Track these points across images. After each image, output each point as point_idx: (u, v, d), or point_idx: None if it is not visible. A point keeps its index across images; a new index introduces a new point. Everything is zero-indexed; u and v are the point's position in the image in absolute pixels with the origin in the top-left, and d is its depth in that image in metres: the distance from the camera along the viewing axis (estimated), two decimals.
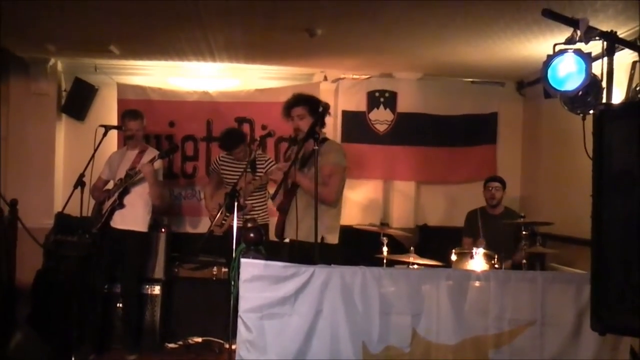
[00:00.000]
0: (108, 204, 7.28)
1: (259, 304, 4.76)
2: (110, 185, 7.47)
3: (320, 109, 5.59)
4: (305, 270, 4.82)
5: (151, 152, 7.36)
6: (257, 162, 7.23)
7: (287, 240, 6.07)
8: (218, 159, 7.77)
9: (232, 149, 7.47)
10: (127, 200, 7.24)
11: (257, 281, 4.76)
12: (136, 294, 7.53)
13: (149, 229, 7.50)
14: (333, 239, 5.89)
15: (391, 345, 4.87)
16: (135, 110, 7.62)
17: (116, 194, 7.23)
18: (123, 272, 7.42)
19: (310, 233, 5.28)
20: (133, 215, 7.28)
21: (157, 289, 7.72)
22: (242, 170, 6.74)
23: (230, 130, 7.88)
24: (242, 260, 4.85)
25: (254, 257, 4.99)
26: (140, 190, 7.28)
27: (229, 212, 6.43)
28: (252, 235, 5.18)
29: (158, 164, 7.25)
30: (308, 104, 5.98)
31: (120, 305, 7.50)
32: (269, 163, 7.40)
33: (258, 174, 7.12)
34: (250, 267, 4.78)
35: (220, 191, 7.56)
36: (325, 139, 5.99)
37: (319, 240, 5.27)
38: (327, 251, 5.55)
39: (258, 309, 4.75)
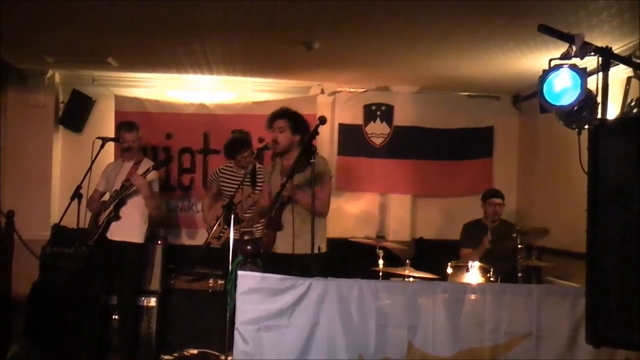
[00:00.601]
0: (104, 215, 7.26)
1: (256, 316, 4.78)
2: (106, 197, 7.47)
3: (317, 123, 5.62)
4: (302, 283, 4.85)
5: (146, 163, 7.37)
6: (258, 174, 7.25)
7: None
8: (218, 171, 7.79)
9: (236, 154, 7.50)
10: (123, 211, 7.24)
11: (254, 293, 4.78)
12: (132, 305, 7.51)
13: (145, 241, 7.50)
14: (324, 247, 5.95)
15: (387, 357, 4.90)
16: (131, 122, 7.64)
17: (112, 206, 7.22)
18: (119, 283, 7.40)
19: (308, 245, 5.33)
20: (129, 226, 7.27)
21: (153, 301, 7.71)
22: (240, 182, 6.77)
23: (236, 136, 7.89)
24: (239, 272, 4.87)
25: (251, 270, 5.02)
26: (137, 202, 7.27)
27: (227, 224, 6.45)
28: (249, 247, 5.21)
29: (152, 175, 7.25)
30: (292, 120, 6.04)
31: (116, 317, 7.49)
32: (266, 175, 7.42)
33: (258, 188, 7.13)
34: (247, 279, 4.80)
35: (218, 203, 7.58)
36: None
37: (316, 250, 5.32)
38: (322, 260, 5.62)
39: (255, 321, 4.78)
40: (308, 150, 5.48)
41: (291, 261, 5.52)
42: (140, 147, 7.79)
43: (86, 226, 7.15)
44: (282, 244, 5.91)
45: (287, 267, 5.25)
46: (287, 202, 5.86)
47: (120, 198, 7.19)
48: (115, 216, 7.20)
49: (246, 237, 5.55)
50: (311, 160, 5.41)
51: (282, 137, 5.98)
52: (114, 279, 7.41)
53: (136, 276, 7.54)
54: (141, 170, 7.19)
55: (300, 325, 4.83)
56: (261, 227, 7.38)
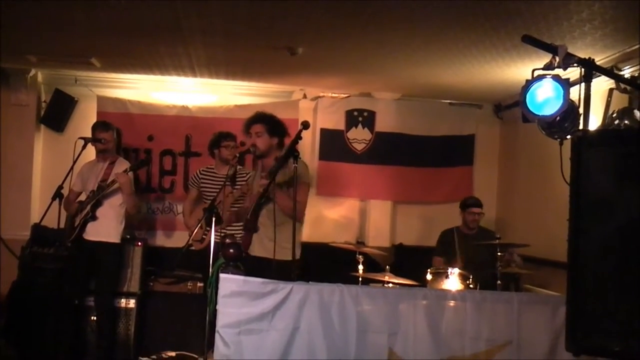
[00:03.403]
0: (80, 216, 7.24)
1: (237, 320, 4.76)
2: (83, 198, 7.44)
3: (301, 127, 5.65)
4: (284, 287, 4.84)
5: (121, 163, 7.38)
6: (238, 176, 7.26)
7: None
8: (198, 173, 7.79)
9: (221, 143, 7.55)
10: (99, 212, 7.22)
11: (235, 297, 4.77)
12: (110, 306, 7.48)
13: (122, 241, 7.48)
14: (298, 253, 5.90)
15: None
16: (105, 121, 7.67)
17: (89, 206, 7.20)
18: (97, 284, 7.38)
19: (287, 251, 5.39)
20: (106, 226, 7.26)
21: (132, 303, 7.70)
22: (221, 184, 6.78)
23: (222, 131, 7.89)
24: (221, 275, 4.86)
25: (233, 273, 5.02)
26: (113, 202, 7.27)
27: (208, 226, 6.45)
28: (231, 250, 5.20)
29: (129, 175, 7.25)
30: (268, 124, 6.13)
31: (94, 318, 7.47)
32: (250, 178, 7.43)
33: (237, 185, 7.14)
34: (229, 282, 4.79)
35: (199, 207, 7.56)
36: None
37: (291, 257, 5.34)
38: (290, 267, 5.56)
39: (236, 324, 4.76)
40: (291, 155, 5.50)
41: (268, 266, 5.56)
42: (122, 148, 7.78)
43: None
44: (258, 247, 5.98)
45: (263, 272, 5.26)
46: (264, 203, 5.92)
47: (97, 199, 7.16)
48: (92, 217, 7.18)
49: (228, 240, 5.54)
50: (294, 165, 5.43)
51: (260, 141, 6.05)
52: (90, 280, 7.38)
53: (114, 277, 7.51)
54: (117, 169, 7.18)
55: (281, 329, 4.82)
56: (240, 230, 7.41)
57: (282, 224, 5.66)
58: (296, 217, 5.45)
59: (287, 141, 5.96)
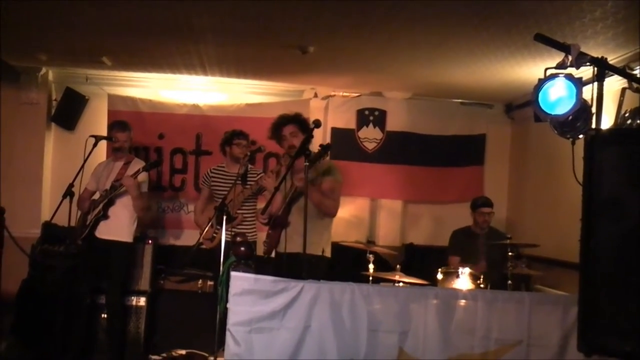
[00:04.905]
0: (93, 214, 7.25)
1: (248, 318, 4.77)
2: (97, 196, 7.46)
3: (312, 126, 5.68)
4: (295, 286, 4.85)
5: (136, 163, 7.37)
6: (249, 175, 7.26)
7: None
8: (209, 172, 7.78)
9: (233, 141, 7.52)
10: (111, 211, 7.22)
11: (246, 295, 4.78)
12: (120, 305, 7.47)
13: (134, 240, 7.49)
14: (329, 251, 6.11)
15: None
16: (124, 121, 7.65)
17: (101, 205, 7.20)
18: (108, 282, 7.39)
19: (318, 246, 5.65)
20: (118, 225, 7.26)
21: (142, 301, 7.69)
22: (232, 183, 6.78)
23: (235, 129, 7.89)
24: (233, 273, 4.87)
25: (244, 271, 5.02)
26: (125, 201, 7.25)
27: (219, 225, 6.45)
28: (242, 249, 5.21)
29: (143, 176, 7.22)
30: (299, 123, 6.24)
31: (105, 316, 7.48)
32: (260, 177, 7.41)
33: (248, 184, 7.14)
34: (240, 280, 4.80)
35: (210, 206, 7.56)
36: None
37: (320, 252, 5.57)
38: (325, 264, 5.76)
39: (247, 322, 4.77)
40: (302, 153, 5.51)
41: (300, 261, 5.52)
42: (132, 147, 7.80)
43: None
44: (289, 244, 5.94)
45: (293, 267, 5.38)
46: (294, 201, 6.01)
47: (110, 198, 7.18)
48: (104, 215, 7.18)
49: (238, 239, 5.54)
50: (305, 164, 5.44)
51: (297, 141, 6.09)
52: (102, 278, 7.40)
53: (124, 276, 7.51)
54: (131, 170, 7.18)
55: (291, 328, 4.83)
56: (252, 230, 7.39)
57: (314, 220, 5.74)
58: (326, 213, 5.84)
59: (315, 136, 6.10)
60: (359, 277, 6.80)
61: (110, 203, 7.21)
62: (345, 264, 7.38)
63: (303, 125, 6.24)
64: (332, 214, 6.18)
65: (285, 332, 4.82)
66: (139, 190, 7.21)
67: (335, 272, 5.70)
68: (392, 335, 4.92)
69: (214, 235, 7.21)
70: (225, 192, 6.93)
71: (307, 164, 5.44)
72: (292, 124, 6.21)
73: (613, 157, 3.36)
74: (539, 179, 8.85)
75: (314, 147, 7.33)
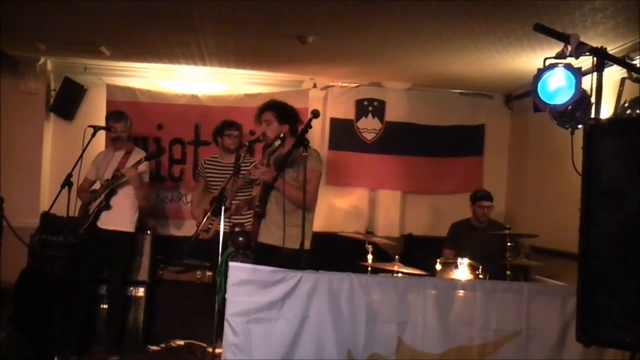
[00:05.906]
0: (94, 204, 7.26)
1: (246, 308, 4.76)
2: (97, 186, 7.45)
3: (311, 116, 5.63)
4: (293, 276, 4.84)
5: (138, 153, 7.38)
6: (242, 165, 7.24)
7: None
8: (203, 163, 7.78)
9: (224, 131, 7.54)
10: (113, 201, 7.24)
11: (245, 285, 4.77)
12: (121, 295, 7.52)
13: (135, 230, 7.50)
14: (309, 244, 5.86)
15: (376, 352, 4.89)
16: (119, 111, 7.66)
17: (103, 195, 7.22)
18: (109, 273, 7.41)
19: (295, 240, 5.37)
20: (120, 215, 7.29)
21: (141, 291, 7.71)
22: (227, 174, 6.76)
23: (227, 120, 7.87)
24: (231, 264, 4.85)
25: (242, 261, 5.01)
26: (127, 191, 7.28)
27: (215, 216, 6.43)
28: (241, 239, 5.20)
29: (144, 166, 7.25)
30: (277, 111, 6.03)
31: (105, 306, 7.48)
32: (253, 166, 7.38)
33: (242, 172, 7.11)
34: (238, 271, 4.78)
35: (207, 197, 7.55)
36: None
37: (298, 246, 5.33)
38: (303, 258, 5.53)
39: (245, 313, 4.76)
40: (301, 143, 5.48)
41: (276, 254, 5.54)
42: (131, 137, 7.79)
43: (76, 214, 7.11)
44: (264, 233, 5.90)
45: (269, 259, 5.27)
46: (272, 190, 5.87)
47: (111, 188, 7.18)
48: (106, 205, 7.20)
49: (237, 229, 5.53)
50: (304, 154, 5.42)
51: (269, 129, 5.97)
52: (103, 268, 7.41)
53: (126, 265, 7.56)
54: (133, 160, 7.19)
55: (290, 318, 4.82)
56: (250, 218, 7.39)
57: (292, 212, 5.65)
58: (306, 207, 5.43)
59: (301, 127, 5.90)
60: (358, 267, 6.82)
61: (112, 193, 7.24)
62: (344, 255, 7.36)
63: (283, 114, 6.01)
64: (300, 205, 5.57)
65: (284, 323, 4.81)
66: (140, 181, 7.22)
67: (330, 262, 5.61)
68: (390, 325, 4.91)
69: (209, 226, 7.19)
70: (220, 183, 6.91)
71: (306, 154, 5.43)
72: (269, 111, 6.02)
73: (612, 147, 3.36)
74: (538, 169, 8.84)
75: (314, 137, 7.37)
